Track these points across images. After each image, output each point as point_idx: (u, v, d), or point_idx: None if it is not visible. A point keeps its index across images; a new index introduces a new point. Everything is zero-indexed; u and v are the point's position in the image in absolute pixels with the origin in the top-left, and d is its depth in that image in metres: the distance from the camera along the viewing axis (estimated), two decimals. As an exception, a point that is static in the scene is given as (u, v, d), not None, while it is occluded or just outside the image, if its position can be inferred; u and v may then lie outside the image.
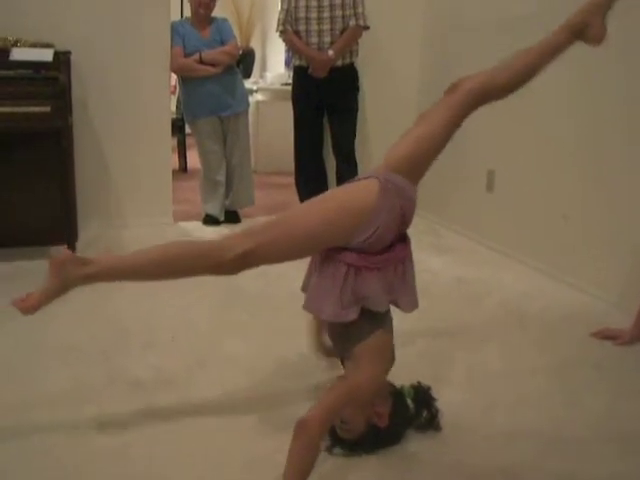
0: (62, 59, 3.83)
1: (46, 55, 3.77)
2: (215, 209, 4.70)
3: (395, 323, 2.02)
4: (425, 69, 4.91)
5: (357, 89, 4.55)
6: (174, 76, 4.96)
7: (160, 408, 2.15)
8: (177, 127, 6.78)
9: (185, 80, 4.67)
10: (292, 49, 4.57)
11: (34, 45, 3.87)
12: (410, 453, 1.94)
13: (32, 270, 3.58)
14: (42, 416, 2.09)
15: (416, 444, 1.98)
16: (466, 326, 2.96)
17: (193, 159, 7.23)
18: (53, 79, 3.65)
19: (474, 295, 3.36)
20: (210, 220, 4.70)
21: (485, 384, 2.40)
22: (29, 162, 3.95)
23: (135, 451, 1.91)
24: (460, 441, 2.02)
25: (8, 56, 3.74)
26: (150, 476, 1.80)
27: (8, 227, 3.99)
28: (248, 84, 5.61)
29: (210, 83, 4.54)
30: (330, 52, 4.30)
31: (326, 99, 4.45)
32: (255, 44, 9.05)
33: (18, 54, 3.76)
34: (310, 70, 4.38)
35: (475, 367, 2.54)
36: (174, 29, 4.50)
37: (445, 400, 2.12)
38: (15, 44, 3.82)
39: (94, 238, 4.25)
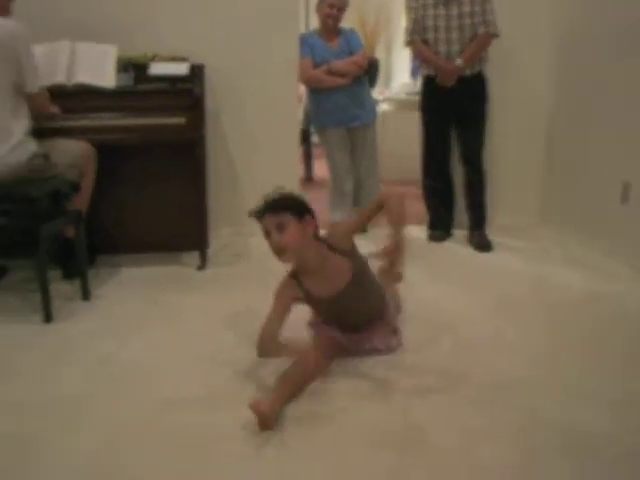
0: (196, 72, 3.97)
1: (182, 69, 3.93)
2: (342, 219, 4.73)
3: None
4: (554, 78, 4.76)
5: (486, 98, 4.47)
6: (301, 86, 5.03)
7: (294, 414, 2.18)
8: (304, 137, 6.88)
9: (314, 91, 4.72)
10: (420, 58, 4.55)
11: (171, 60, 4.04)
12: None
13: (167, 274, 3.78)
14: (180, 418, 2.16)
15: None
16: (604, 344, 2.81)
17: (318, 169, 7.35)
18: (188, 92, 3.79)
19: (607, 310, 3.19)
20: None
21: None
22: (164, 172, 4.13)
23: (268, 451, 1.94)
24: None
25: (147, 71, 3.93)
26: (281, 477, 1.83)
27: (143, 234, 4.19)
28: (374, 94, 5.60)
29: (339, 94, 4.57)
30: (458, 61, 4.25)
31: (455, 108, 4.39)
32: (380, 54, 9.07)
33: (156, 69, 3.93)
34: (438, 79, 4.34)
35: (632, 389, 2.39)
36: (303, 40, 4.57)
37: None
38: (153, 59, 4.00)
39: (224, 245, 4.37)
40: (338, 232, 2.49)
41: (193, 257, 3.98)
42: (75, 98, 3.69)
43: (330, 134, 4.68)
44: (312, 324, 2.71)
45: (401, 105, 7.25)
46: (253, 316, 2.62)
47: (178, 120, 3.70)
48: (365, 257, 2.57)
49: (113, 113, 3.68)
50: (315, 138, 5.96)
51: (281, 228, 2.32)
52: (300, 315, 2.64)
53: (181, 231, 4.17)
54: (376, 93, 7.53)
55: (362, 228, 2.61)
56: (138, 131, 3.66)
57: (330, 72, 4.54)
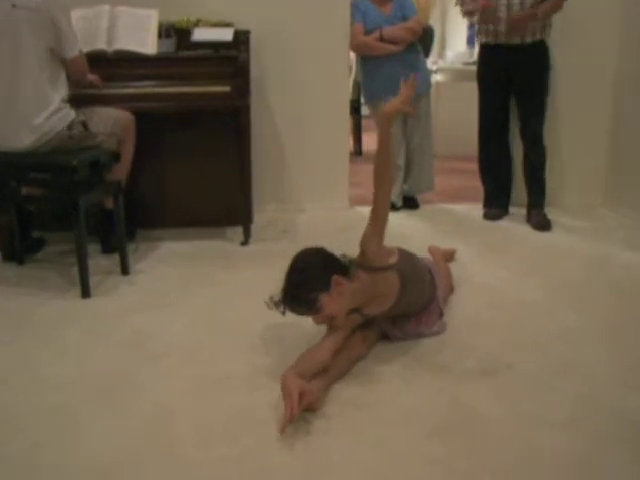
0: (242, 38, 3.91)
1: (226, 35, 3.89)
2: (393, 194, 4.66)
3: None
4: (621, 47, 4.60)
5: (548, 68, 4.35)
6: (351, 54, 4.97)
7: (338, 398, 2.15)
8: (353, 108, 6.82)
9: (365, 59, 4.66)
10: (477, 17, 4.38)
11: (215, 25, 4.00)
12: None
13: (209, 249, 3.80)
14: (220, 396, 2.16)
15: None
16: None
17: (368, 142, 7.29)
18: (233, 59, 3.75)
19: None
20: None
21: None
22: (207, 143, 4.14)
23: (311, 438, 1.91)
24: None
25: (190, 37, 3.90)
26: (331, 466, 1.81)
27: (184, 207, 4.21)
28: (427, 64, 5.52)
29: (391, 62, 4.49)
30: (534, 10, 4.11)
31: (514, 78, 4.29)
32: (434, 21, 8.94)
33: (199, 34, 3.90)
34: (504, 28, 4.19)
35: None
36: (354, 6, 4.50)
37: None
38: (196, 24, 3.98)
39: (269, 221, 4.36)
40: (369, 254, 2.30)
41: (236, 232, 3.98)
42: (115, 65, 3.69)
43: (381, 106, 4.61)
44: None
45: (456, 75, 7.15)
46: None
47: (222, 88, 3.67)
48: (404, 251, 2.50)
49: (154, 81, 3.66)
50: (365, 110, 5.90)
51: (315, 311, 2.20)
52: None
53: (224, 205, 4.20)
54: (429, 63, 7.42)
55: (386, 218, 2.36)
56: (180, 99, 3.65)
57: (382, 39, 4.47)
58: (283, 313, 2.23)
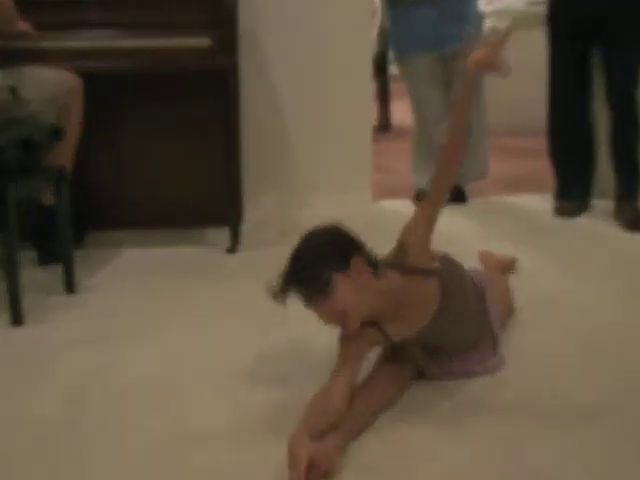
0: (226, -26, 3.94)
1: (206, -32, 3.90)
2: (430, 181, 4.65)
3: None
4: None
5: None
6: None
7: (358, 459, 2.13)
8: (378, 67, 6.79)
9: (392, 2, 4.65)
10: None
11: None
12: None
13: (184, 258, 3.84)
14: (193, 458, 2.14)
15: None
16: None
17: (399, 112, 7.27)
18: (214, 2, 3.75)
19: None
20: (423, 198, 4.66)
21: None
22: (181, 116, 4.15)
23: None
24: None
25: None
26: None
27: (151, 202, 4.23)
28: (478, 6, 5.49)
29: (427, 6, 4.49)
30: None
31: (599, 24, 4.25)
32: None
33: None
34: None
35: None
36: None
37: None
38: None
39: (264, 220, 4.34)
40: (410, 247, 2.33)
41: (221, 235, 3.97)
42: (54, 9, 3.67)
43: (415, 63, 4.62)
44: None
45: (519, 19, 7.12)
46: (301, 318, 2.56)
47: (200, 41, 3.67)
48: (450, 259, 2.52)
49: (106, 31, 3.68)
50: (394, 69, 5.88)
51: (325, 295, 2.21)
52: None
53: (205, 199, 4.21)
54: (482, 3, 7.38)
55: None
56: (143, 56, 3.67)
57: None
58: (283, 302, 2.24)
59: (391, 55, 6.35)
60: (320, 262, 2.20)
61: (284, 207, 4.52)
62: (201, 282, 3.46)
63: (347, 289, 2.19)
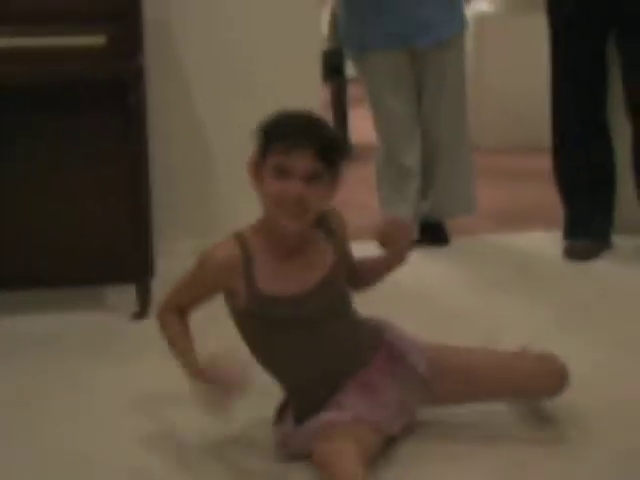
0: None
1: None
2: (403, 216, 4.62)
3: None
4: None
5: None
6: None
7: None
8: (330, 69, 6.79)
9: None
10: None
11: None
12: None
13: (76, 328, 3.85)
14: None
15: None
16: None
17: (360, 126, 7.28)
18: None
19: None
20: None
21: None
22: (71, 139, 4.18)
23: None
24: None
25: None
26: None
27: (36, 255, 4.26)
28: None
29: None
30: None
31: (615, 7, 4.28)
32: None
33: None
34: None
35: None
36: None
37: None
38: None
39: (181, 272, 4.29)
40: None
41: (126, 295, 3.98)
42: None
43: (376, 61, 4.63)
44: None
45: (512, 3, 7.20)
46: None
47: (93, 39, 3.70)
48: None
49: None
50: (352, 69, 5.90)
51: (311, 179, 2.41)
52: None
53: (104, 248, 4.21)
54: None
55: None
56: (19, 60, 3.69)
57: None
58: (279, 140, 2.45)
59: (346, 52, 6.36)
60: (336, 146, 2.49)
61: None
62: (98, 361, 3.41)
63: (324, 194, 2.50)
